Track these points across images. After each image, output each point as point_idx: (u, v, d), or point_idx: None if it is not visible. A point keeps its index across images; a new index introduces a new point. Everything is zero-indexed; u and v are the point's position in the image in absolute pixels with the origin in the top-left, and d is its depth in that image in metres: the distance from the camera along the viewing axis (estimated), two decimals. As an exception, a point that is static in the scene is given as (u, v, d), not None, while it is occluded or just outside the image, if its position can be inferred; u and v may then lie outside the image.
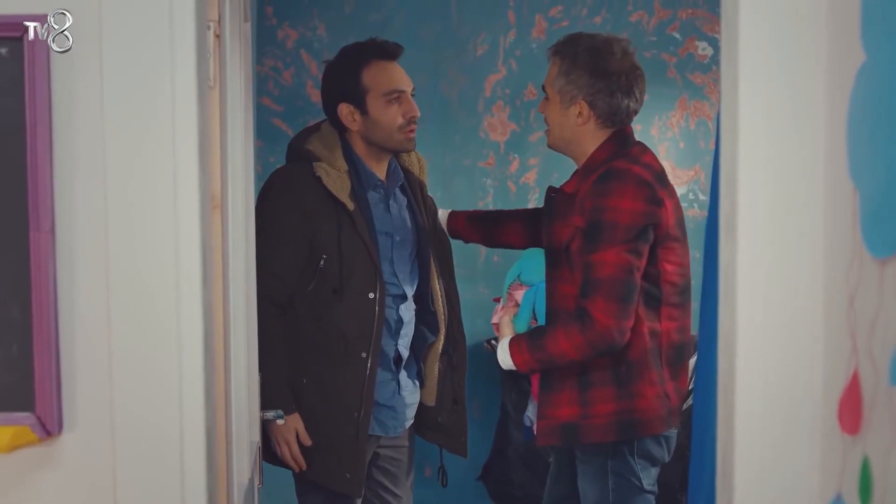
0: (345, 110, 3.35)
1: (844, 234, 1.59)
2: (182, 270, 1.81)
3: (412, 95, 3.38)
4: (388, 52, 3.36)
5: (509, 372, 3.52)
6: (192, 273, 1.81)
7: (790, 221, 1.71)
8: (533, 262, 3.28)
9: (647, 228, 3.07)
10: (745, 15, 1.70)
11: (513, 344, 3.18)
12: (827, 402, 1.68)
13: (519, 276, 3.31)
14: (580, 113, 3.19)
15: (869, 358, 1.49)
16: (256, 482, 2.90)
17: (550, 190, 3.32)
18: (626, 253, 3.03)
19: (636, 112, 3.28)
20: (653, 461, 3.25)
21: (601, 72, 3.17)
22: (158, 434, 1.84)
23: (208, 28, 1.94)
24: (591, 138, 3.22)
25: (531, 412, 3.38)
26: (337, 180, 3.28)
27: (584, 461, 3.26)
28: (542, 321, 3.23)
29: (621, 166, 3.12)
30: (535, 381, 3.27)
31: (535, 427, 3.32)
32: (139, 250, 1.80)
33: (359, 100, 3.32)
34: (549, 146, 3.35)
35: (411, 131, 3.36)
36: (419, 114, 3.36)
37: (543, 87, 3.29)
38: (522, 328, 3.26)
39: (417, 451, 3.70)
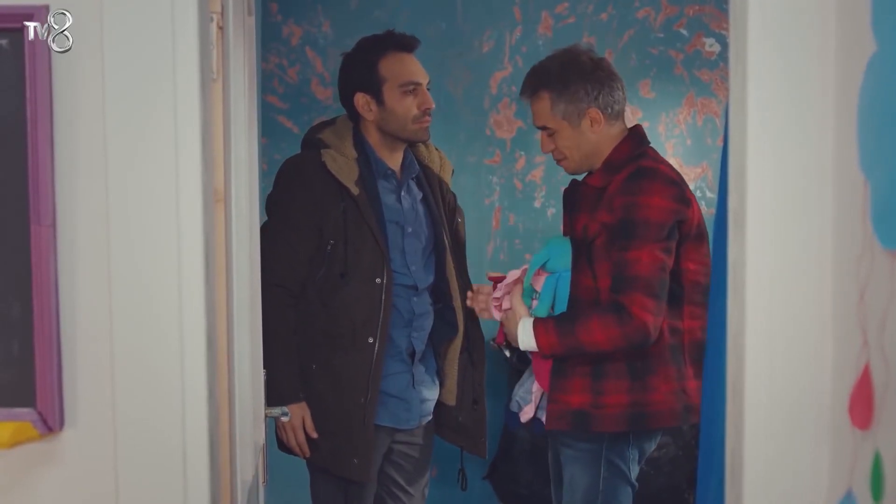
0: (361, 100, 3.42)
1: (855, 227, 1.57)
2: (184, 265, 1.79)
3: (427, 88, 3.45)
4: (406, 44, 3.45)
5: (516, 371, 3.50)
6: (194, 268, 1.80)
7: (799, 214, 1.69)
8: (560, 250, 3.26)
9: (675, 227, 3.14)
10: (754, 5, 1.68)
11: (539, 325, 3.19)
12: (837, 397, 1.66)
13: (546, 263, 3.27)
14: (592, 121, 3.25)
15: (880, 352, 1.48)
16: (261, 480, 2.89)
17: (574, 182, 3.38)
18: (659, 251, 3.10)
19: (626, 97, 3.36)
20: (642, 453, 3.33)
21: (587, 76, 3.25)
22: (160, 430, 1.82)
23: (211, 20, 1.92)
24: (607, 140, 3.28)
25: (520, 396, 3.38)
26: (344, 166, 3.34)
27: (576, 447, 3.29)
28: (559, 309, 3.25)
29: (650, 165, 3.20)
30: (543, 366, 3.25)
31: (523, 413, 3.35)
32: (141, 245, 1.78)
33: (375, 90, 3.40)
34: (573, 173, 3.39)
35: (425, 122, 3.43)
36: (434, 105, 3.45)
37: (541, 127, 3.31)
38: (542, 314, 3.25)
39: (428, 451, 3.69)
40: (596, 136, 3.26)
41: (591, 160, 3.30)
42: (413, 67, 3.43)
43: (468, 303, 3.43)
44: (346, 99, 3.47)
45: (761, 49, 1.68)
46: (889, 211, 1.44)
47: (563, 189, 3.50)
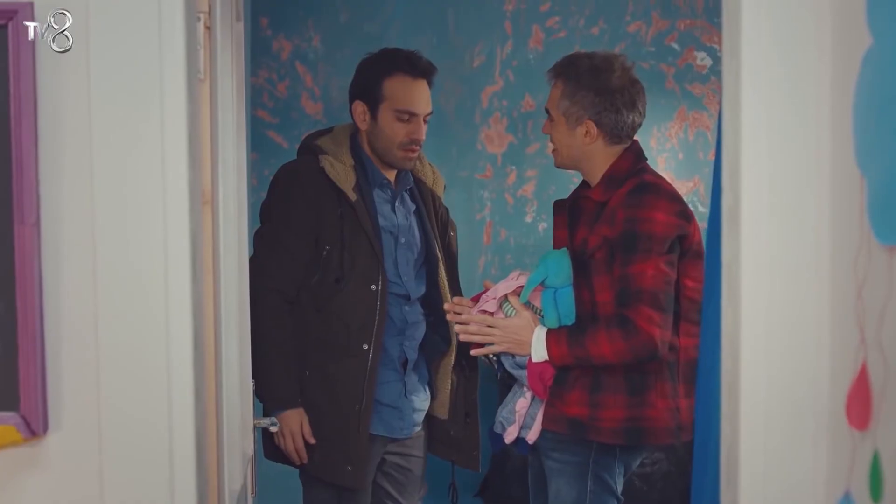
0: (359, 108, 3.42)
1: (851, 224, 1.56)
2: (171, 267, 1.76)
3: (426, 119, 3.40)
4: (417, 68, 3.40)
5: (507, 388, 3.47)
6: (181, 269, 1.77)
7: (795, 212, 1.68)
8: (558, 266, 3.22)
9: (676, 241, 3.14)
10: (748, 0, 1.66)
11: (551, 336, 3.17)
12: (834, 396, 1.64)
13: (545, 280, 3.22)
14: (587, 132, 3.22)
15: (878, 350, 1.46)
16: (250, 491, 2.86)
17: (575, 195, 3.35)
18: (664, 264, 3.10)
19: (640, 125, 3.32)
20: (627, 468, 3.32)
21: (605, 90, 3.21)
22: (147, 435, 1.79)
23: (198, 19, 1.90)
24: (601, 155, 3.25)
25: (503, 417, 3.34)
26: (341, 172, 3.33)
27: (563, 460, 3.26)
28: (566, 323, 3.20)
29: (652, 180, 3.21)
30: (542, 376, 3.20)
31: (507, 434, 3.32)
32: (127, 245, 1.75)
33: (373, 104, 3.39)
34: (558, 166, 3.39)
35: (412, 151, 3.40)
36: (423, 138, 3.41)
37: (547, 110, 3.31)
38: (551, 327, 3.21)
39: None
40: (588, 148, 3.23)
41: (577, 164, 3.29)
42: (416, 96, 3.38)
43: (448, 317, 3.37)
44: (350, 102, 3.47)
45: (756, 43, 1.66)
46: (886, 206, 1.42)
47: (553, 202, 3.47)
